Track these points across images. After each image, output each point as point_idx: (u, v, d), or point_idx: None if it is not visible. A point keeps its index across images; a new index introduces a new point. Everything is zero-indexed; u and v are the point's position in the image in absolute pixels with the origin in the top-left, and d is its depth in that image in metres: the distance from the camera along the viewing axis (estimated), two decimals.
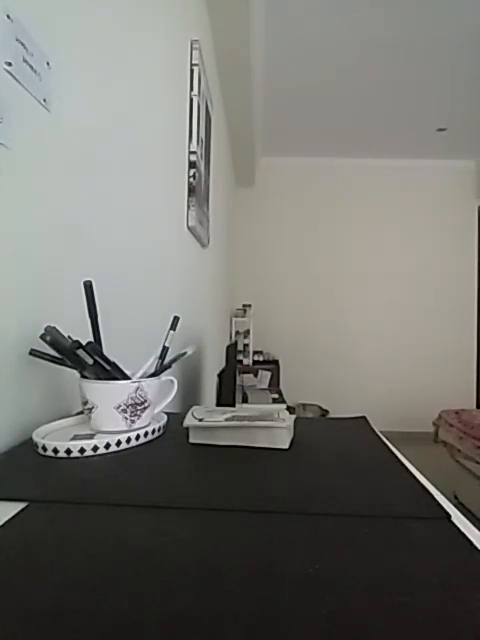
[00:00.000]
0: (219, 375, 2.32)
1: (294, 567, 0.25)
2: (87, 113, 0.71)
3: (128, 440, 0.47)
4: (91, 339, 0.52)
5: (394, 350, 4.14)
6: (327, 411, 3.87)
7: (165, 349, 0.59)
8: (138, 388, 0.50)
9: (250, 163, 3.71)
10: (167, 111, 1.29)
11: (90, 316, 0.53)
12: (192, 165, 1.62)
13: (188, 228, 1.64)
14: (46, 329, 0.49)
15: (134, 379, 0.53)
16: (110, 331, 0.61)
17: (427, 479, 0.41)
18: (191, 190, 1.62)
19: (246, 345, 3.84)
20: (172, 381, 0.60)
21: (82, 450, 0.44)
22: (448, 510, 0.33)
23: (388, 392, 4.12)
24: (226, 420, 0.49)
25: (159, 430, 0.52)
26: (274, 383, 3.67)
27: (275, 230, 4.25)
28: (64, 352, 0.49)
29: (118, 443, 0.46)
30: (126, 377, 0.53)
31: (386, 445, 0.50)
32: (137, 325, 0.99)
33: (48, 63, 0.56)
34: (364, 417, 0.62)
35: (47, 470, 0.40)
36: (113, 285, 0.82)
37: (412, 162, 4.20)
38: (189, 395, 1.72)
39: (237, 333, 3.85)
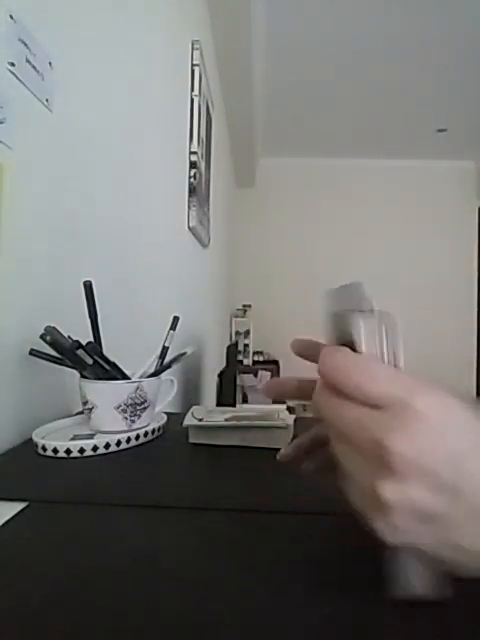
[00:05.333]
0: (219, 375, 2.32)
1: (295, 566, 0.25)
2: (88, 113, 0.71)
3: (128, 440, 0.47)
4: (91, 339, 0.52)
5: None
6: None
7: (165, 349, 0.59)
8: (138, 388, 0.50)
9: (250, 163, 3.71)
10: (168, 111, 1.30)
11: (90, 316, 0.53)
12: (193, 165, 1.62)
13: (189, 228, 1.64)
14: (46, 329, 0.49)
15: (134, 379, 0.53)
16: (110, 331, 0.61)
17: None
18: (192, 190, 1.62)
19: (246, 345, 3.84)
20: (172, 381, 0.60)
21: (82, 450, 0.44)
22: None
23: None
24: (226, 420, 0.49)
25: (159, 430, 0.52)
26: None
27: (275, 230, 4.24)
28: (64, 352, 0.49)
29: (118, 443, 0.46)
30: (126, 377, 0.53)
31: None
32: (137, 325, 0.99)
33: (50, 63, 0.56)
34: None
35: (47, 470, 0.40)
36: (113, 285, 0.83)
37: (412, 162, 4.20)
38: (189, 395, 1.72)
39: (237, 333, 3.85)
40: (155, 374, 0.56)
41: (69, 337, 0.50)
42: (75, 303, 0.54)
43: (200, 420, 0.49)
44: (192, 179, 1.62)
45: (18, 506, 0.33)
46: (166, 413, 0.57)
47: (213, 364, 2.52)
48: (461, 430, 0.19)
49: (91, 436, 0.48)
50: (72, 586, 0.23)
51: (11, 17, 0.48)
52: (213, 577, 0.24)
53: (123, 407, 0.49)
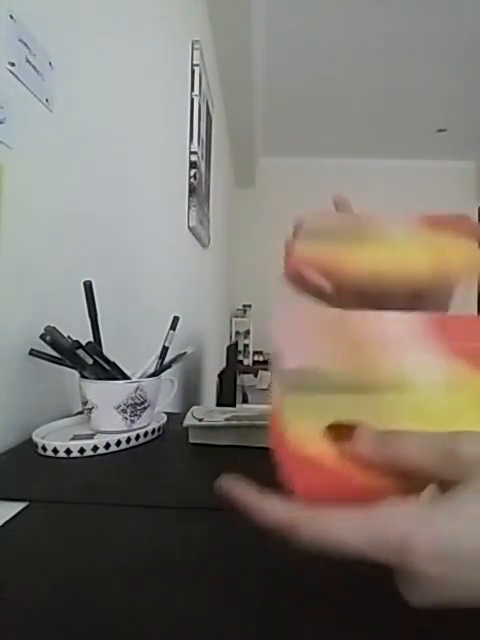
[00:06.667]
0: (219, 375, 2.32)
1: (294, 567, 0.25)
2: (88, 113, 0.71)
3: (128, 440, 0.47)
4: (91, 339, 0.52)
5: None
6: None
7: (165, 349, 0.59)
8: (138, 388, 0.50)
9: (250, 163, 3.71)
10: (168, 111, 1.30)
11: (90, 316, 0.53)
12: (193, 165, 1.62)
13: (189, 228, 1.64)
14: (46, 329, 0.49)
15: (134, 379, 0.53)
16: (110, 331, 0.61)
17: None
18: (192, 190, 1.62)
19: (246, 345, 3.84)
20: (172, 381, 0.60)
21: (82, 450, 0.44)
22: None
23: None
24: (226, 420, 0.49)
25: (159, 430, 0.52)
26: None
27: (275, 230, 4.24)
28: (64, 352, 0.49)
29: (118, 443, 0.46)
30: (126, 377, 0.53)
31: None
32: (137, 325, 0.99)
33: (51, 63, 0.56)
34: None
35: (47, 470, 0.40)
36: (113, 285, 0.83)
37: (412, 163, 4.20)
38: (189, 395, 1.72)
39: (237, 333, 3.85)
40: (155, 374, 0.56)
41: (69, 337, 0.50)
42: (75, 303, 0.54)
43: (200, 420, 0.49)
44: (192, 179, 1.62)
45: (18, 506, 0.33)
46: (166, 413, 0.57)
47: (213, 364, 2.52)
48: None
49: (91, 436, 0.48)
50: (72, 586, 0.23)
51: (11, 17, 0.48)
52: (213, 577, 0.24)
53: (123, 407, 0.49)
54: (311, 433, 0.22)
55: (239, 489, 0.21)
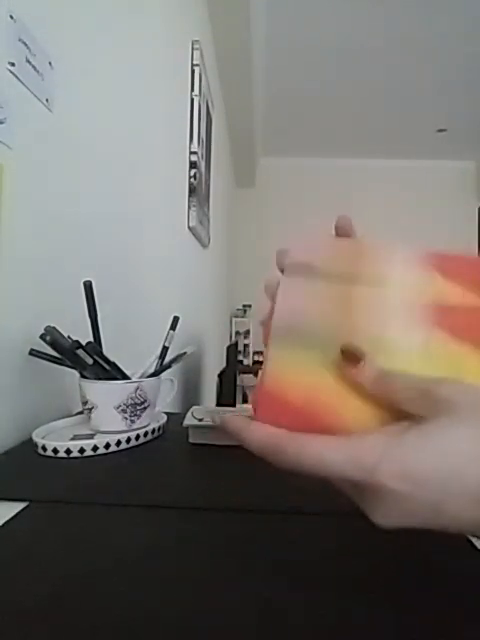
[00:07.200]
0: (219, 375, 2.32)
1: (295, 566, 0.25)
2: (88, 113, 0.71)
3: (128, 440, 0.47)
4: (91, 339, 0.52)
5: None
6: None
7: (165, 349, 0.59)
8: (138, 388, 0.50)
9: (250, 163, 3.71)
10: (168, 111, 1.30)
11: (90, 316, 0.53)
12: (193, 165, 1.62)
13: (189, 228, 1.64)
14: (46, 329, 0.49)
15: (134, 379, 0.53)
16: (110, 331, 0.61)
17: None
18: (192, 190, 1.62)
19: (246, 345, 3.84)
20: (172, 381, 0.60)
21: (82, 450, 0.44)
22: None
23: None
24: None
25: (159, 430, 0.52)
26: None
27: (275, 230, 4.24)
28: (64, 352, 0.49)
29: (118, 443, 0.46)
30: (126, 377, 0.53)
31: None
32: (137, 325, 0.99)
33: (50, 63, 0.56)
34: None
35: (47, 470, 0.40)
36: (113, 285, 0.83)
37: (412, 162, 4.20)
38: (189, 395, 1.72)
39: (237, 333, 3.85)
40: (155, 374, 0.56)
41: (69, 337, 0.50)
42: (75, 303, 0.54)
43: (200, 420, 0.49)
44: (192, 179, 1.62)
45: (18, 506, 0.33)
46: (166, 413, 0.57)
47: (213, 364, 2.52)
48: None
49: (91, 436, 0.48)
50: (72, 586, 0.23)
51: (11, 17, 0.48)
52: (213, 577, 0.24)
53: (123, 407, 0.49)
54: (289, 379, 0.24)
55: (228, 415, 0.24)
